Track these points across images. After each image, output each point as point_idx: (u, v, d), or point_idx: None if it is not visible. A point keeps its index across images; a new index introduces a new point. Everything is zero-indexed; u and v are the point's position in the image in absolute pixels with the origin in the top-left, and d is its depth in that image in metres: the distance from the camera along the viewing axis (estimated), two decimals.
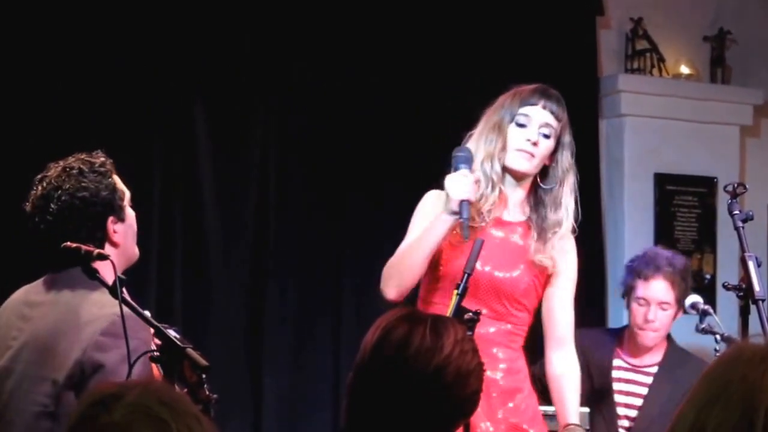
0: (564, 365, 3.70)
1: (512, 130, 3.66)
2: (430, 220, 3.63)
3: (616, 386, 4.65)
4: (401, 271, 3.59)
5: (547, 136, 3.65)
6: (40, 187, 3.02)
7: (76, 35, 4.98)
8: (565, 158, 3.71)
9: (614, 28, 6.39)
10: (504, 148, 3.66)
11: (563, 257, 3.70)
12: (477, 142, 3.69)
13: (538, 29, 6.00)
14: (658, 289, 4.56)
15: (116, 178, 3.07)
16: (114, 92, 5.05)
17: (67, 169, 3.02)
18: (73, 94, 4.96)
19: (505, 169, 3.68)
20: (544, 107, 3.65)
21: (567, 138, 3.71)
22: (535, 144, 3.63)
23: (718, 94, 6.50)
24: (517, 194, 3.73)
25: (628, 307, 4.66)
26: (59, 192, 2.98)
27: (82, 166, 3.02)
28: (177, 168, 5.24)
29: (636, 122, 6.29)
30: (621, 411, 4.64)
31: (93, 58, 5.01)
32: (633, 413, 4.63)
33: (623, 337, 4.71)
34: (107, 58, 5.04)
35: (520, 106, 3.66)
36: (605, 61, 6.36)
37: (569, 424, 3.64)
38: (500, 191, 3.67)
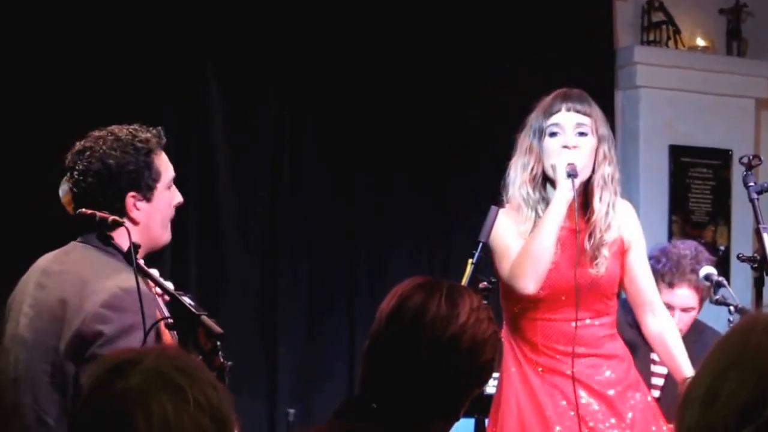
0: (661, 323, 3.88)
1: (547, 143, 3.65)
2: (512, 230, 3.61)
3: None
4: (537, 260, 3.54)
5: (584, 134, 3.64)
6: (78, 144, 3.03)
7: (90, 8, 4.98)
8: (601, 151, 3.68)
9: (630, 0, 6.36)
10: (540, 166, 3.65)
11: (629, 229, 3.77)
12: (515, 170, 3.70)
13: (554, 1, 5.97)
14: (683, 296, 4.45)
15: (156, 158, 3.02)
16: (128, 66, 5.04)
17: (109, 134, 3.01)
18: (86, 67, 4.96)
19: (549, 182, 3.66)
20: (569, 109, 3.64)
21: (603, 131, 3.70)
22: (574, 147, 3.62)
23: (733, 67, 6.48)
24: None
25: None
26: (90, 152, 2.98)
27: (122, 135, 3.00)
28: (191, 140, 5.24)
29: (651, 94, 6.28)
30: None
31: (105, 31, 5.00)
32: (656, 393, 4.58)
33: None
34: (121, 31, 5.03)
35: (546, 119, 3.65)
36: (621, 33, 6.34)
37: (687, 378, 3.76)
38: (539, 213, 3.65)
